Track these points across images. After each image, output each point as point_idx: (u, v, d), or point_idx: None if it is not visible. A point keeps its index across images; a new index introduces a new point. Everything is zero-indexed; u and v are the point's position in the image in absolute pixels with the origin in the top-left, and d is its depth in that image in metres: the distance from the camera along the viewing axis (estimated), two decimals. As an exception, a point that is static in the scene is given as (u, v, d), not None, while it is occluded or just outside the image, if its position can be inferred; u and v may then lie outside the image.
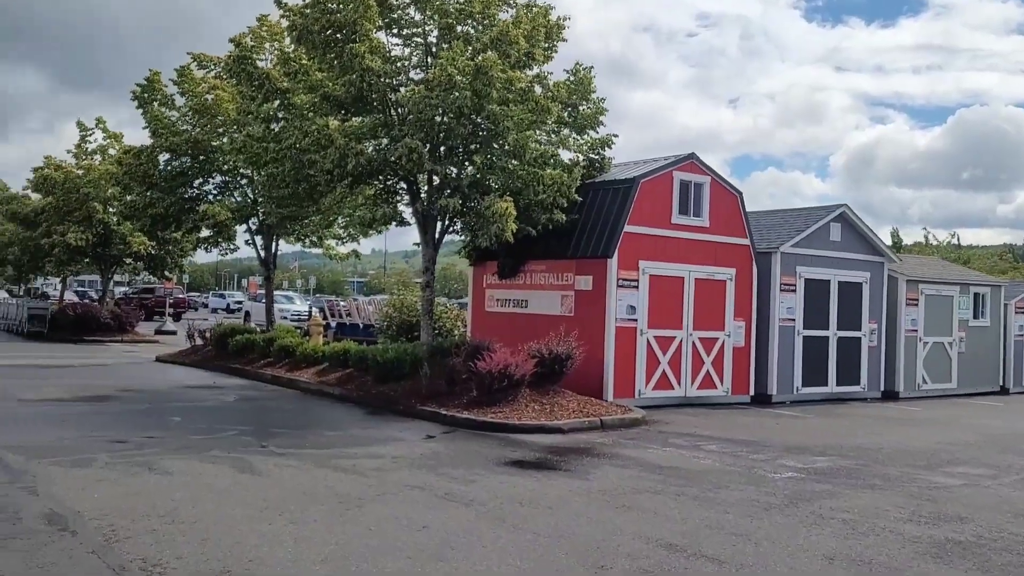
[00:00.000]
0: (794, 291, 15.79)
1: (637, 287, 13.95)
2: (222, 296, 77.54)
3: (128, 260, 30.33)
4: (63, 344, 26.00)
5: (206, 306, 72.73)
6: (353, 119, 14.16)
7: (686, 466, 9.06)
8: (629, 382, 13.83)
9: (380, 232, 15.31)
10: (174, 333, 31.70)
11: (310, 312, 38.42)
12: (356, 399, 13.46)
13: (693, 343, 14.62)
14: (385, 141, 13.66)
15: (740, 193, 15.44)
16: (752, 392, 15.35)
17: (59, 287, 43.83)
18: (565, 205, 13.84)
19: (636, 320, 13.91)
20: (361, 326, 20.10)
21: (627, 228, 13.88)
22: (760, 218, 17.22)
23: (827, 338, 16.30)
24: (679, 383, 14.44)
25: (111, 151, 28.84)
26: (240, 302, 67.10)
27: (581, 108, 14.51)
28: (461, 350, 13.13)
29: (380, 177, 13.97)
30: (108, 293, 33.02)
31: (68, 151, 30.07)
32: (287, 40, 14.76)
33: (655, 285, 14.17)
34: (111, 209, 28.45)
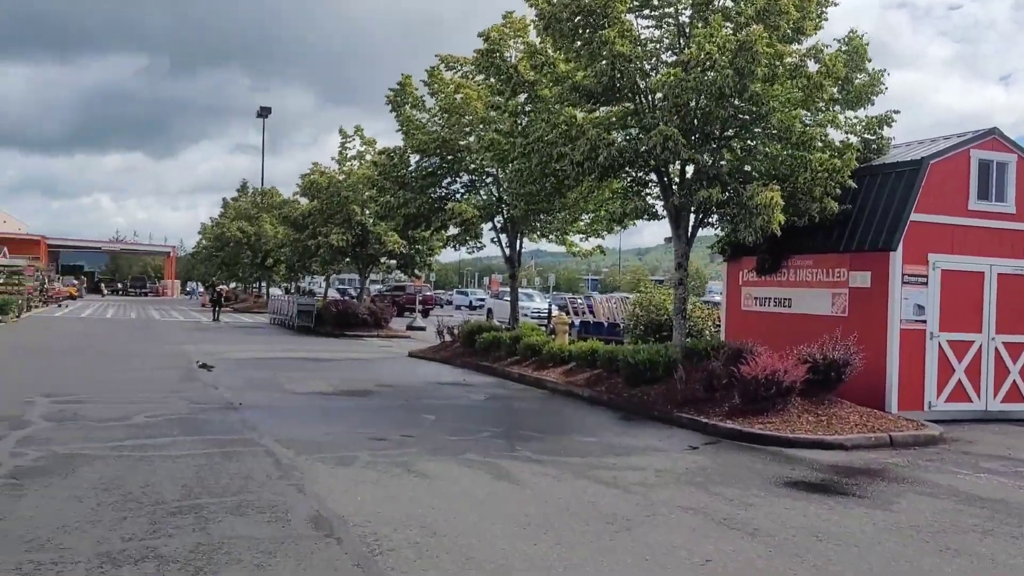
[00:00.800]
0: None
1: (926, 284, 12.14)
2: (465, 294, 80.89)
3: (383, 259, 32.06)
4: (326, 338, 27.87)
5: (450, 303, 76.15)
6: (600, 109, 13.59)
7: (1014, 499, 7.47)
8: (916, 393, 12.07)
9: (626, 227, 14.59)
10: (423, 329, 33.06)
11: (550, 310, 38.69)
12: (606, 402, 12.84)
13: (996, 349, 12.52)
14: (635, 131, 12.94)
15: (1056, 172, 13.04)
16: (1073, 408, 12.91)
17: (323, 285, 47.60)
18: (839, 192, 12.39)
19: (925, 321, 12.11)
20: (606, 324, 19.52)
21: (913, 216, 12.11)
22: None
23: None
24: (978, 395, 12.42)
25: (367, 156, 30.65)
26: (482, 299, 69.56)
27: (856, 80, 12.89)
28: (720, 352, 12.09)
29: (629, 169, 13.25)
30: (364, 290, 35.13)
31: (332, 158, 32.35)
32: (532, 34, 14.49)
33: (948, 281, 12.26)
34: (367, 211, 30.14)
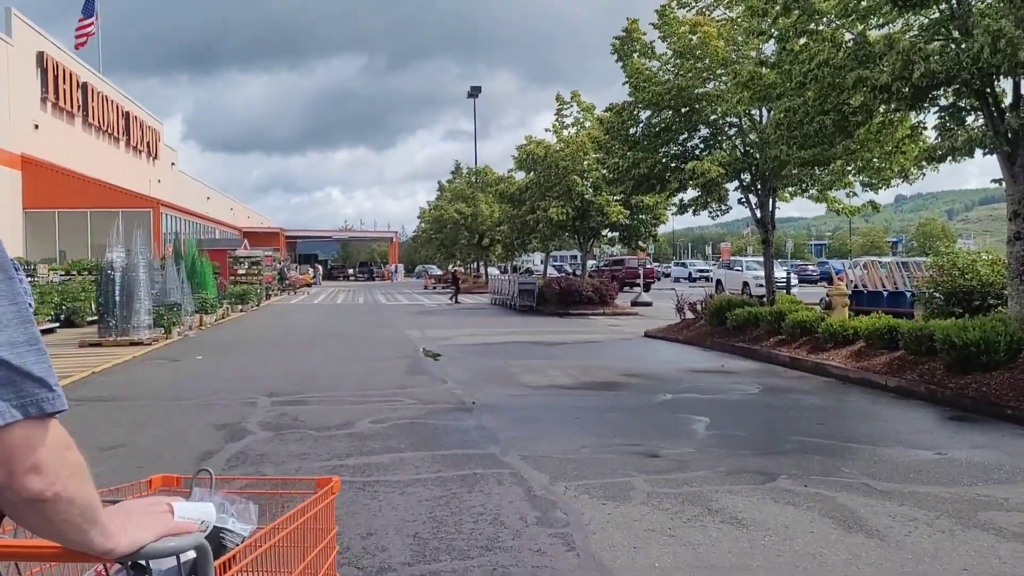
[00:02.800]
0: None
1: None
2: (683, 265, 77.56)
3: (605, 231, 30.09)
4: (550, 318, 26.35)
5: (667, 275, 73.19)
6: (897, 23, 10.66)
7: None
8: None
9: (948, 164, 11.37)
10: (650, 304, 30.85)
11: (788, 278, 35.00)
12: (923, 395, 9.99)
13: None
14: (951, 45, 9.90)
15: None
16: None
17: (539, 263, 46.52)
18: None
19: None
20: (885, 294, 16.25)
21: None
22: None
23: None
24: None
25: (586, 124, 28.72)
26: (703, 270, 66.04)
27: None
28: (1101, 329, 8.89)
29: (943, 91, 10.22)
30: (586, 266, 33.38)
31: (546, 129, 30.78)
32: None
33: None
34: (588, 181, 28.27)
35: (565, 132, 29.82)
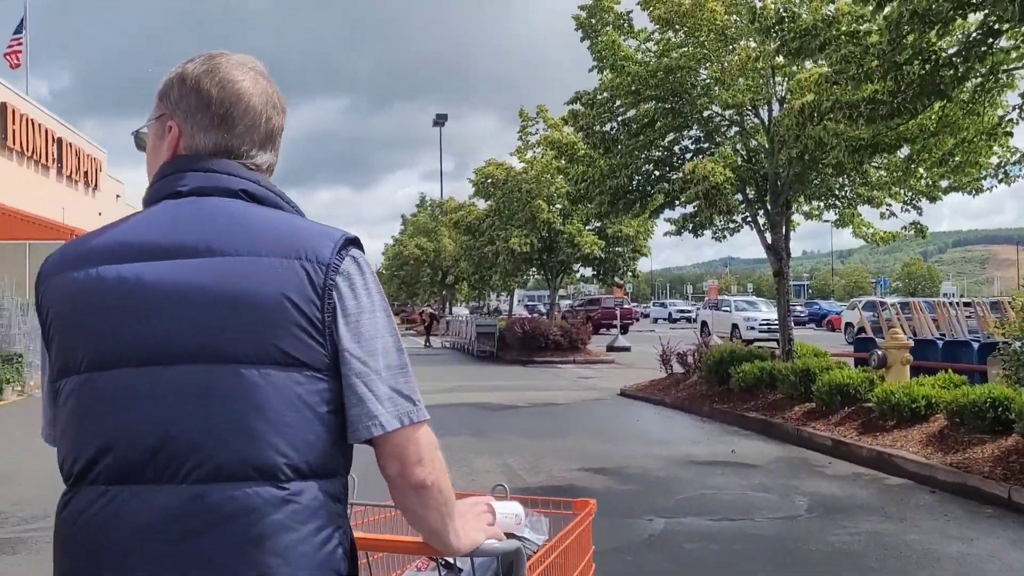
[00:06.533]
0: None
1: None
2: (663, 305, 73.84)
3: (576, 266, 26.07)
4: (511, 367, 22.19)
5: (647, 316, 69.36)
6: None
7: None
8: None
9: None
10: (628, 349, 26.78)
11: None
12: (1094, 526, 5.84)
13: None
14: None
15: None
16: None
17: (509, 302, 42.33)
18: None
19: None
20: (940, 344, 12.15)
21: None
22: None
23: None
24: None
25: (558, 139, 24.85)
26: (685, 311, 62.21)
27: None
28: None
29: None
30: (555, 305, 29.32)
31: (510, 153, 26.97)
32: None
33: None
34: (555, 207, 24.34)
35: (530, 153, 25.89)
